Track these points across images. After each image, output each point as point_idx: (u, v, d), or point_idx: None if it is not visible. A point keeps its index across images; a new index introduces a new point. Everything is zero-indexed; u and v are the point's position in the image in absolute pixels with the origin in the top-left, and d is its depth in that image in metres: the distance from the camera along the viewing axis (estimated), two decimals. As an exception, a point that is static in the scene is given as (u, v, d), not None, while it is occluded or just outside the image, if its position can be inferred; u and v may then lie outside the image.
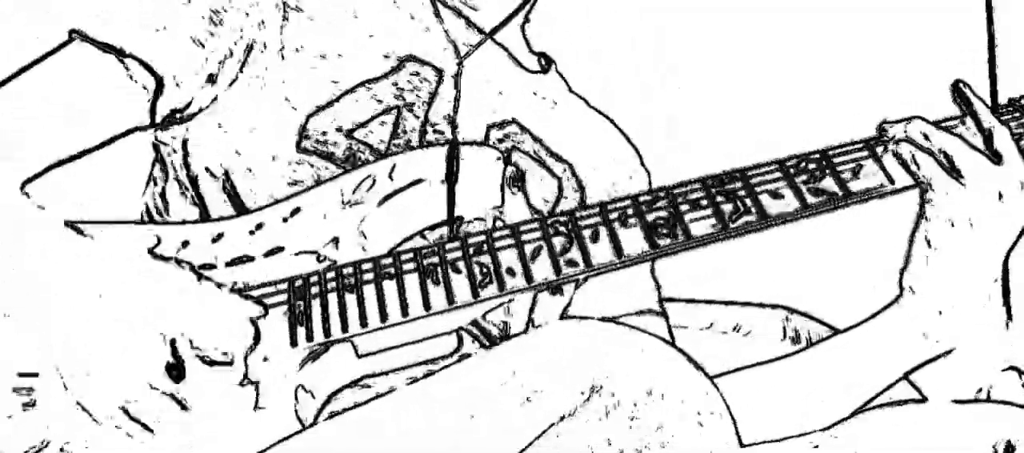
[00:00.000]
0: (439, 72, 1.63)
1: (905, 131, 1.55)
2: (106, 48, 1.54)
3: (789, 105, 1.90)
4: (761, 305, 1.80)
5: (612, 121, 1.73)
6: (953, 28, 1.92)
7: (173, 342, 1.41)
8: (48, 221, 1.46)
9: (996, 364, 1.77)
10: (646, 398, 1.32)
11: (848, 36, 1.93)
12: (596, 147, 1.70)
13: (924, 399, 1.63)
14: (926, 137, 1.54)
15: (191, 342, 1.42)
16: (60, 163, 1.52)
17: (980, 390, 1.73)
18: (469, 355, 1.49)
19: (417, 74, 1.63)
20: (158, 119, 1.57)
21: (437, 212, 1.53)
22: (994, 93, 1.89)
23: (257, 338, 1.44)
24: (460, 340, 1.49)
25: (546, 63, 1.73)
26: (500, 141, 1.64)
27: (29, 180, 1.49)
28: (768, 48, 1.93)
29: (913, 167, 1.54)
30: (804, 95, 1.91)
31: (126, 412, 1.40)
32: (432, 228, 1.53)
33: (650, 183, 1.72)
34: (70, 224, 1.46)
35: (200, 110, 1.59)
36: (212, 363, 1.42)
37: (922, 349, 1.56)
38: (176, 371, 1.40)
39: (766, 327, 1.78)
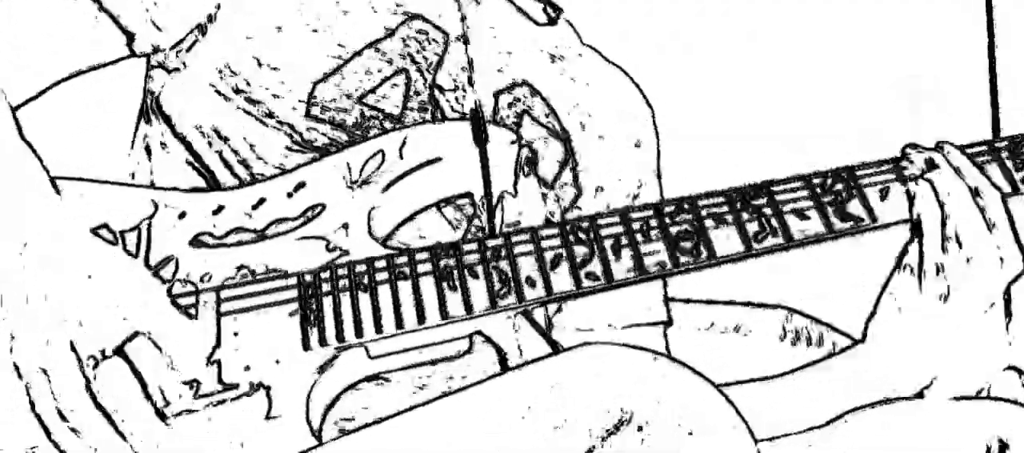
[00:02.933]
0: (445, 34, 1.60)
1: (926, 163, 1.53)
2: None
3: (785, 105, 1.89)
4: (761, 305, 1.79)
5: (627, 73, 1.71)
6: (953, 28, 1.92)
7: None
8: (33, 178, 1.42)
9: (996, 364, 1.78)
10: (675, 432, 1.30)
11: (846, 35, 1.93)
12: (605, 110, 1.67)
13: (920, 396, 1.64)
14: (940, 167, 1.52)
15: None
16: (41, 93, 1.48)
17: (980, 390, 1.74)
18: (488, 374, 1.47)
19: (425, 33, 1.59)
20: (142, 55, 1.54)
21: (449, 187, 1.50)
22: (994, 92, 1.90)
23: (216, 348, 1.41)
24: (471, 342, 1.46)
25: (554, 12, 1.69)
26: (510, 105, 1.61)
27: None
28: (765, 47, 1.93)
29: (917, 211, 1.53)
30: (801, 95, 1.90)
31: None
32: (445, 202, 1.51)
33: (658, 146, 1.70)
34: (54, 181, 1.43)
35: (190, 47, 1.55)
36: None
37: (868, 394, 1.55)
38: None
39: (766, 327, 1.77)
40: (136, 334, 1.39)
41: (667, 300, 1.66)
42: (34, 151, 1.43)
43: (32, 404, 1.37)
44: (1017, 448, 1.52)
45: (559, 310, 1.62)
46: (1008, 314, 1.66)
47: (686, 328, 1.76)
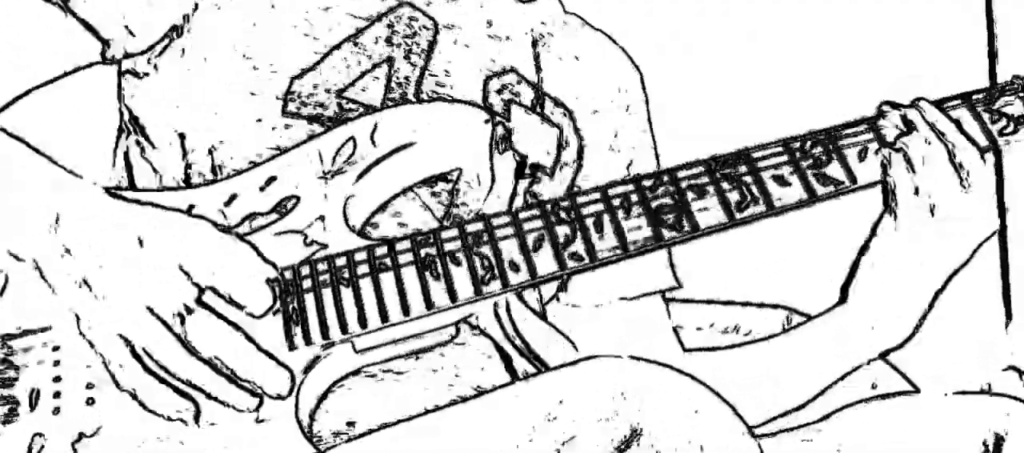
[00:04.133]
0: (434, 21, 1.59)
1: (902, 120, 1.52)
2: None
3: (785, 105, 1.89)
4: (761, 305, 1.79)
5: (612, 38, 1.70)
6: (953, 28, 1.92)
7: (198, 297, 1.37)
8: (84, 187, 1.41)
9: (996, 364, 1.77)
10: (685, 448, 1.29)
11: (846, 35, 1.92)
12: (594, 82, 1.66)
13: (917, 391, 1.63)
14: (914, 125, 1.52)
15: (214, 290, 1.37)
16: (8, 104, 1.48)
17: (980, 389, 1.74)
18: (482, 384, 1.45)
19: (415, 19, 1.58)
20: (113, 62, 1.52)
21: (424, 170, 1.48)
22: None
23: (274, 302, 1.39)
24: (458, 329, 1.46)
25: None
26: (498, 92, 1.60)
27: None
28: (765, 47, 1.93)
29: (889, 174, 1.52)
30: (801, 95, 1.90)
31: (133, 352, 1.35)
32: (420, 185, 1.49)
33: (648, 109, 1.70)
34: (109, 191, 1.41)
35: (163, 50, 1.53)
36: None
37: (847, 359, 1.55)
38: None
39: (766, 327, 1.77)
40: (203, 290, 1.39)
41: (672, 265, 1.65)
42: (30, 146, 1.43)
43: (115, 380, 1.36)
44: (1013, 443, 1.52)
45: (563, 289, 1.61)
46: (1008, 314, 1.66)
47: (686, 328, 1.76)
